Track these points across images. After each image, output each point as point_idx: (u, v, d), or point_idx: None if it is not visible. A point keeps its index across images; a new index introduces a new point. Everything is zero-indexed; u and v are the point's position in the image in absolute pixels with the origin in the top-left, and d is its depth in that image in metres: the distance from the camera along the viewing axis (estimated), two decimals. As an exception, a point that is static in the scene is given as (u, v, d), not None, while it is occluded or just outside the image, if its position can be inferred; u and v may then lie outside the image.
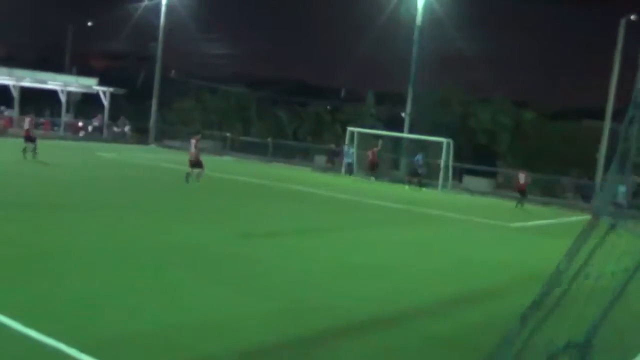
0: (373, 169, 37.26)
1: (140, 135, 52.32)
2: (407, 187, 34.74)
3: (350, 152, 38.48)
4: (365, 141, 41.17)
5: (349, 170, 38.14)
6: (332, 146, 45.68)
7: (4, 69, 47.01)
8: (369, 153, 37.78)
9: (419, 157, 35.37)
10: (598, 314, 5.07)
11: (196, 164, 24.88)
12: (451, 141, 36.26)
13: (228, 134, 50.62)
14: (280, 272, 12.38)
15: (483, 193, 36.09)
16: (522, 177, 30.42)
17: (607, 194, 5.48)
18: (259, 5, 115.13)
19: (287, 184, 28.60)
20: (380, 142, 37.82)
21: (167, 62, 56.82)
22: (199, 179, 24.74)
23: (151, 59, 55.70)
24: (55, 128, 50.20)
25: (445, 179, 35.98)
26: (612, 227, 5.34)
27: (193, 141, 25.46)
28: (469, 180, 39.02)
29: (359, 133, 40.16)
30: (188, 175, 24.72)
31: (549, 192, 37.76)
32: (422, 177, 35.47)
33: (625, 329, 5.26)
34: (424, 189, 34.42)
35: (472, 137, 43.60)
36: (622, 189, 6.93)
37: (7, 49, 73.69)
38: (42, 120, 51.27)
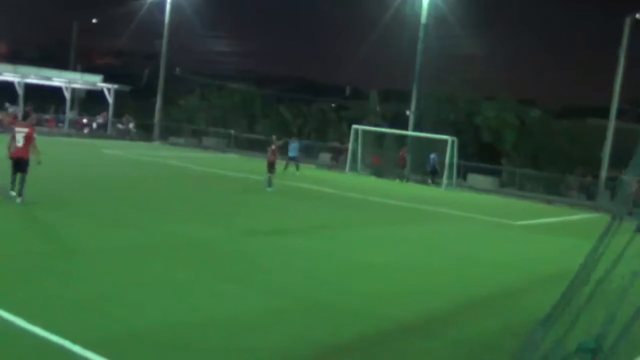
0: (403, 168, 37.90)
1: (145, 132, 52.37)
2: (430, 185, 35.83)
3: (293, 146, 35.76)
4: (370, 139, 41.21)
5: (291, 164, 35.25)
6: (337, 144, 45.67)
7: (8, 66, 47.11)
8: (400, 153, 38.52)
9: (434, 156, 36.06)
10: (608, 317, 5.04)
11: (271, 166, 25.20)
12: (456, 139, 36.27)
13: (232, 131, 50.62)
14: (286, 269, 12.39)
15: (487, 191, 36.08)
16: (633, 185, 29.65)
17: (625, 194, 5.45)
18: (265, 3, 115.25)
19: (291, 182, 28.59)
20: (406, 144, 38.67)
21: (172, 59, 56.83)
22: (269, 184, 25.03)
23: (156, 56, 55.72)
24: (60, 125, 50.29)
25: (450, 176, 36.02)
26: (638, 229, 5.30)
27: (273, 147, 25.87)
28: (473, 178, 39.02)
29: (364, 131, 40.21)
30: (270, 178, 25.12)
31: (553, 190, 37.72)
32: (434, 175, 36.62)
33: (636, 332, 5.24)
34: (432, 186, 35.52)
35: (477, 135, 43.50)
36: None
37: (12, 45, 73.87)
38: (46, 117, 51.41)
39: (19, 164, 16.10)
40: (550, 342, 4.98)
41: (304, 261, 13.41)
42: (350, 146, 39.85)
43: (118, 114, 52.28)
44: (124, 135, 50.12)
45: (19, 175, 16.11)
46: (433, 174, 36.68)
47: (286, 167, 34.24)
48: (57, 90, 50.83)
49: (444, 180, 35.79)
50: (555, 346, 4.91)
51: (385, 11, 43.91)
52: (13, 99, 48.71)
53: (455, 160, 36.23)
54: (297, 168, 34.65)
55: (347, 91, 72.33)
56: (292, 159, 35.26)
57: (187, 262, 12.05)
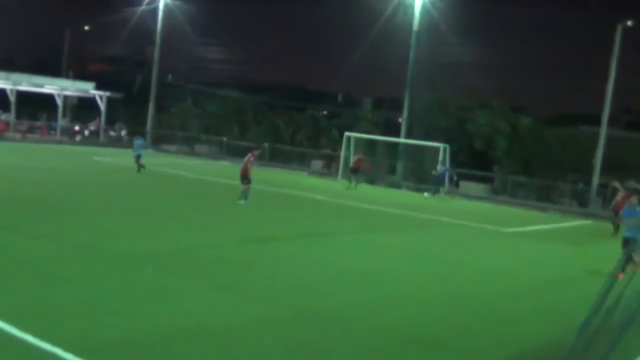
0: (355, 173, 35.26)
1: (137, 139, 52.18)
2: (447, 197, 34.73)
3: (138, 143, 31.68)
4: (364, 147, 41.18)
5: (139, 164, 30.58)
6: (329, 151, 45.67)
7: (0, 73, 46.98)
8: (355, 157, 36.15)
9: (448, 168, 35.42)
10: (611, 340, 5.04)
11: (244, 178, 23.23)
12: (448, 146, 36.28)
13: (224, 139, 50.56)
14: (278, 277, 12.39)
15: (479, 198, 36.10)
16: (620, 196, 23.82)
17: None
18: (257, 10, 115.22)
19: (283, 189, 28.59)
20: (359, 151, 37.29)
21: (164, 66, 56.80)
22: (244, 196, 22.98)
23: (148, 63, 55.66)
24: (52, 132, 50.16)
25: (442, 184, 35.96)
26: None
27: (249, 155, 23.84)
28: (465, 186, 39.03)
29: (356, 138, 40.19)
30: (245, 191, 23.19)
31: (545, 197, 37.78)
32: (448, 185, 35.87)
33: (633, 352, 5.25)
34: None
35: (468, 142, 43.51)
36: None
37: (4, 52, 73.63)
38: (38, 124, 51.33)
39: None
40: None
41: (295, 268, 13.43)
42: (342, 153, 39.81)
43: (110, 121, 52.18)
44: (116, 142, 50.02)
45: None
46: (440, 185, 35.40)
47: (138, 169, 30.42)
48: (49, 98, 50.71)
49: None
50: None
51: (377, 18, 43.98)
52: (5, 107, 48.60)
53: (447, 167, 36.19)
54: (139, 169, 30.46)
55: (339, 98, 72.28)
56: (137, 156, 30.89)
57: (178, 269, 12.03)
